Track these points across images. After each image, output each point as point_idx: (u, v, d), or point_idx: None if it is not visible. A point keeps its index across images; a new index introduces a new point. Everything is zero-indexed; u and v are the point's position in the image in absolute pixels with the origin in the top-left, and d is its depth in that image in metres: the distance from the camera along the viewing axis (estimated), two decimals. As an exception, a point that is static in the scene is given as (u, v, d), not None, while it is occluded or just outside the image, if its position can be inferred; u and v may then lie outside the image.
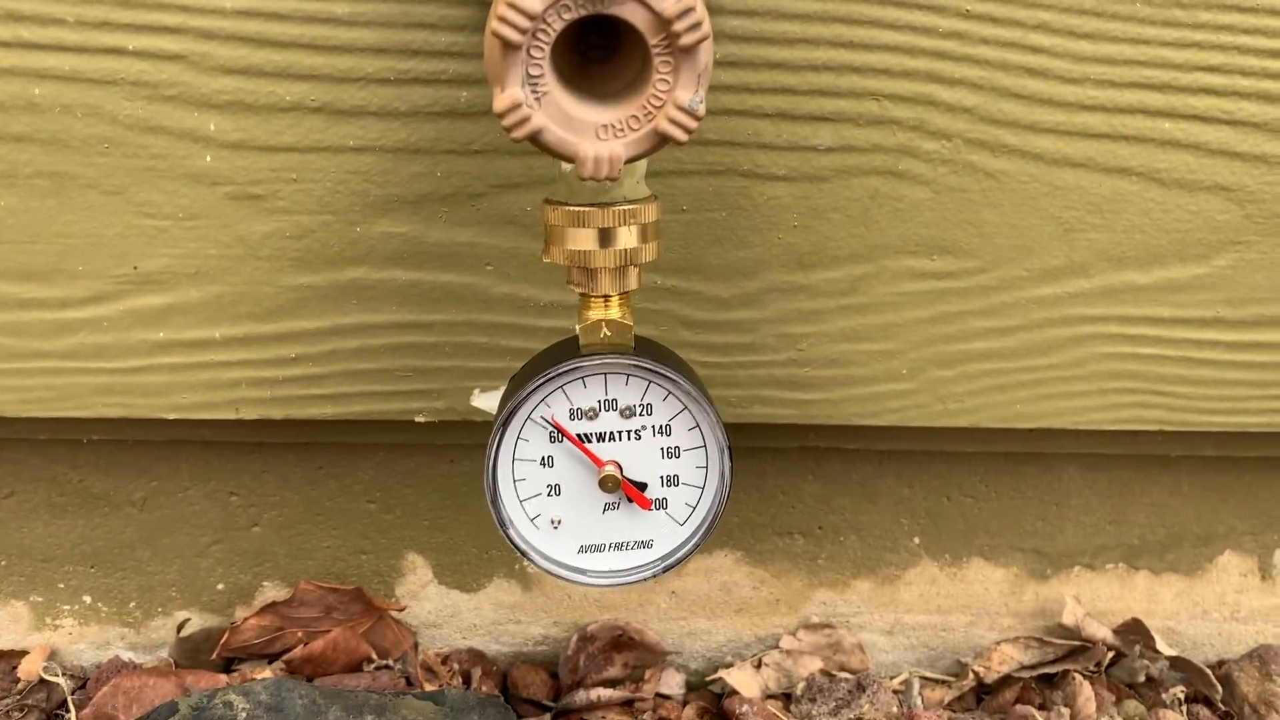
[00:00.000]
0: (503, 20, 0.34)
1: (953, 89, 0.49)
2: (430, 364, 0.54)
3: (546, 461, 0.44)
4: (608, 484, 0.44)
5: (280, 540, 0.64)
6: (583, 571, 0.45)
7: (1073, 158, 0.51)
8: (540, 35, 0.34)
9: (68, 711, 0.60)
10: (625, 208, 0.41)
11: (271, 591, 0.65)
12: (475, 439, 0.57)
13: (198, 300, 0.52)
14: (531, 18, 0.34)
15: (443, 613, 0.66)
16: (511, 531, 0.44)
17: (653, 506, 0.45)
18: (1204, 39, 0.49)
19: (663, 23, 0.34)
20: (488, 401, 0.55)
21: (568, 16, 0.34)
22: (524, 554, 0.44)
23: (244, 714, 0.54)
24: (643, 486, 0.45)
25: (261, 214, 0.50)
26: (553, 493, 0.44)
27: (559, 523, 0.45)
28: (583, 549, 0.45)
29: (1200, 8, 0.48)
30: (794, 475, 0.64)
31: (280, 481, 0.62)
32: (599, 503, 0.45)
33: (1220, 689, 0.66)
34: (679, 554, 0.45)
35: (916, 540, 0.66)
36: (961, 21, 0.48)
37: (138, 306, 0.52)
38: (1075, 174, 0.51)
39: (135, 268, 0.51)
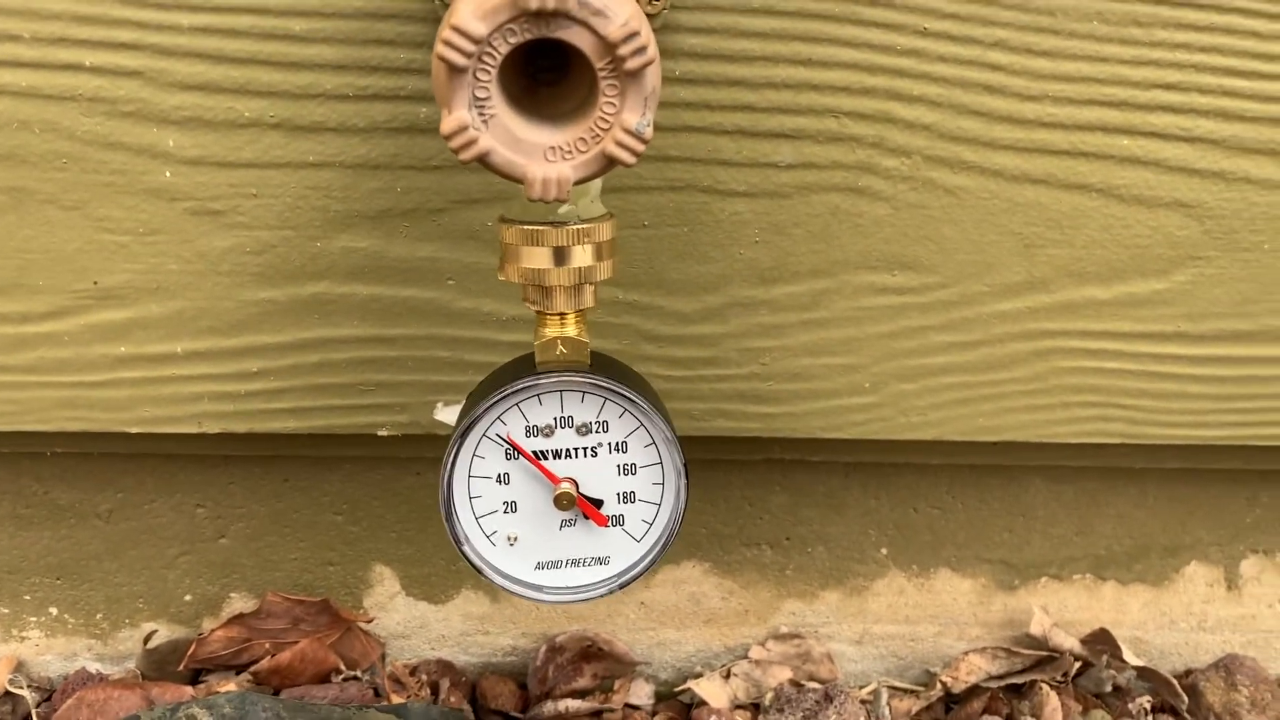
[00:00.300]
0: (447, 44, 0.34)
1: (911, 106, 0.49)
2: (393, 378, 0.54)
3: (502, 479, 0.44)
4: (562, 501, 0.44)
5: (247, 552, 0.64)
6: (539, 588, 0.45)
7: (1032, 174, 0.51)
8: (486, 58, 0.34)
9: (32, 724, 0.60)
10: (580, 226, 0.41)
11: (239, 603, 0.65)
12: (439, 452, 0.57)
13: (159, 315, 0.52)
14: (476, 41, 0.34)
15: (411, 624, 0.66)
16: (467, 548, 0.44)
17: (609, 523, 0.45)
18: (1161, 57, 0.49)
19: (608, 47, 0.34)
20: (451, 415, 0.55)
21: (514, 40, 0.34)
22: (480, 570, 0.45)
23: (207, 727, 0.54)
24: (599, 503, 0.45)
25: (222, 229, 0.50)
26: (509, 510, 0.44)
27: (515, 539, 0.45)
28: (540, 565, 0.45)
29: (1157, 26, 0.48)
30: (761, 487, 0.64)
31: (247, 494, 0.62)
32: (555, 520, 0.45)
33: (1186, 699, 0.66)
34: (636, 570, 0.46)
35: (884, 551, 0.66)
36: (919, 39, 0.48)
37: (98, 321, 0.52)
38: (1035, 190, 0.51)
39: (95, 283, 0.51)
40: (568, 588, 0.46)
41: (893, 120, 0.49)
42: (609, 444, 0.44)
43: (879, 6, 0.48)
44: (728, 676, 0.67)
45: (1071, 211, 0.52)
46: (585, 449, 0.44)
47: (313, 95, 0.48)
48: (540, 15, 0.34)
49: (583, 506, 0.44)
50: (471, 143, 0.35)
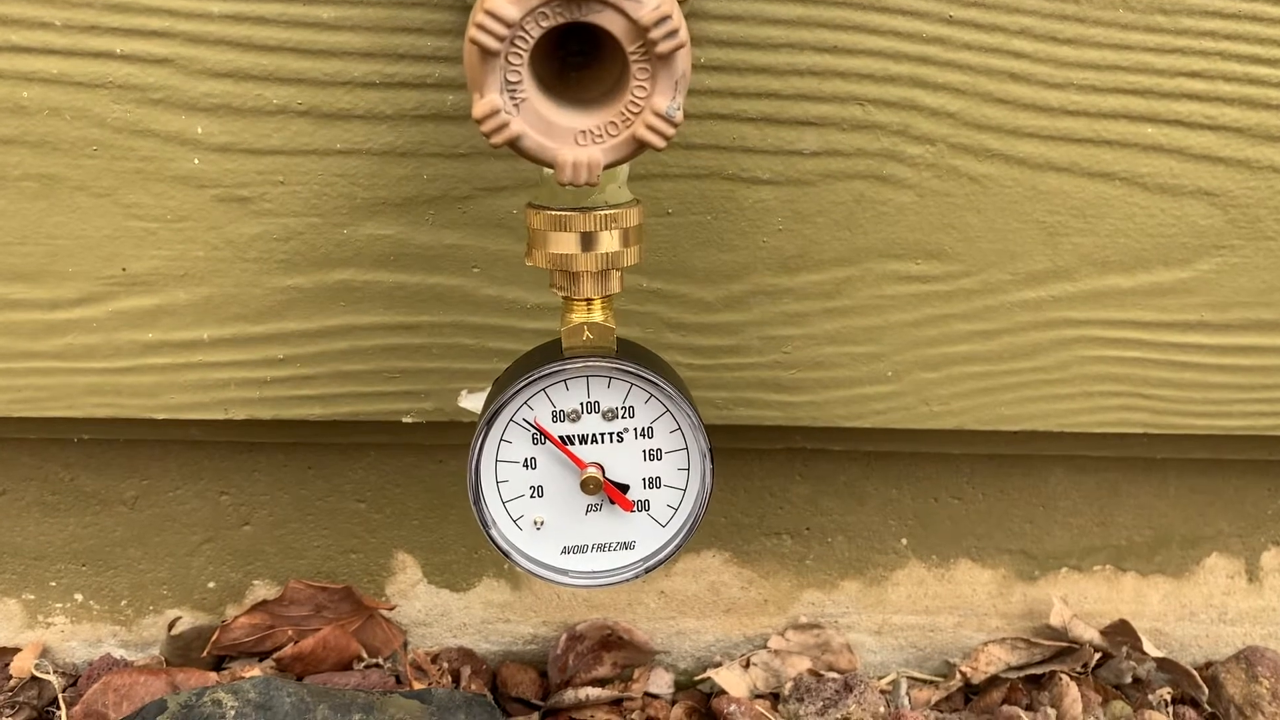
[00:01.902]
0: (480, 28, 0.34)
1: (936, 94, 0.49)
2: (417, 365, 0.54)
3: (529, 463, 0.44)
4: (590, 486, 0.44)
5: (271, 539, 0.64)
6: (565, 572, 0.46)
7: (1056, 162, 0.51)
8: (518, 42, 0.35)
9: (58, 709, 0.61)
10: (607, 212, 0.41)
11: (262, 590, 0.65)
12: (463, 439, 0.57)
13: (186, 301, 0.52)
14: (509, 25, 0.34)
15: (432, 612, 0.67)
16: (494, 532, 0.45)
17: (635, 508, 0.45)
18: (1186, 44, 0.49)
19: (640, 30, 0.35)
20: (475, 402, 0.55)
21: (546, 24, 0.34)
22: (506, 554, 0.45)
23: (233, 712, 0.55)
24: (625, 488, 0.45)
25: (249, 216, 0.50)
26: (535, 494, 0.45)
27: (541, 523, 0.45)
28: (565, 550, 0.46)
29: (1183, 13, 0.48)
30: (782, 476, 0.64)
31: (271, 481, 0.63)
32: (581, 504, 0.45)
33: (1207, 690, 0.66)
34: (661, 555, 0.46)
35: (904, 541, 0.66)
36: (945, 27, 0.48)
37: (127, 308, 0.52)
38: (1059, 178, 0.51)
39: (124, 269, 0.51)
40: (593, 572, 0.46)
41: (917, 108, 0.50)
42: (635, 429, 0.44)
43: (904, -6, 0.48)
44: (747, 666, 0.67)
45: (1095, 200, 0.52)
46: (611, 434, 0.44)
47: (340, 82, 0.48)
48: (573, -1, 0.34)
49: (609, 491, 0.44)
50: (503, 126, 0.36)
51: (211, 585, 0.65)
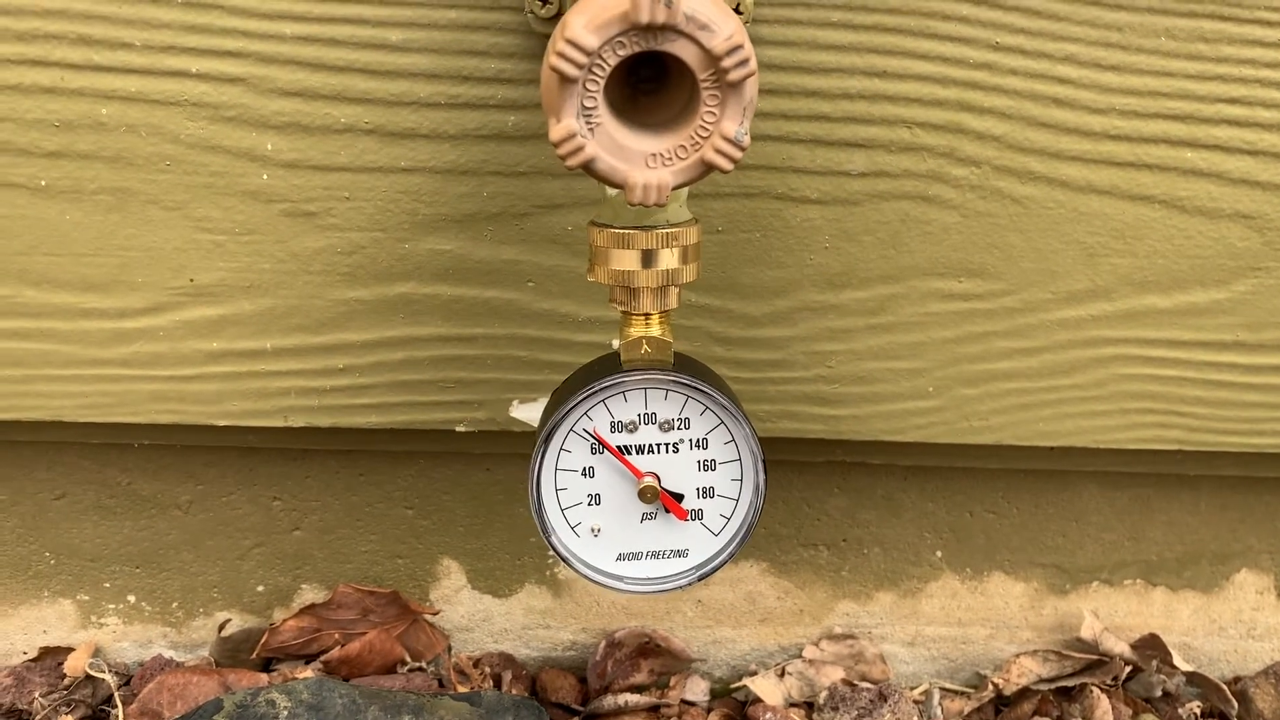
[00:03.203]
0: (561, 56, 0.36)
1: (982, 118, 0.51)
2: (472, 376, 0.56)
3: (588, 472, 0.46)
4: (646, 495, 0.45)
5: (320, 544, 0.66)
6: (620, 578, 0.47)
7: (1097, 185, 0.52)
8: (596, 70, 0.36)
9: (114, 707, 0.62)
10: (668, 230, 0.43)
11: (310, 594, 0.67)
12: (512, 448, 0.59)
13: (251, 312, 0.54)
14: (588, 54, 0.36)
15: (475, 617, 0.68)
16: (554, 539, 0.46)
17: (689, 517, 0.47)
18: (1226, 72, 0.50)
19: (712, 59, 0.36)
20: (526, 412, 0.57)
21: (622, 53, 0.36)
22: (565, 560, 0.46)
23: (285, 712, 0.56)
24: (679, 498, 0.46)
25: (314, 230, 0.52)
26: (593, 502, 0.46)
27: (598, 531, 0.46)
28: (621, 557, 0.47)
29: (1223, 42, 0.50)
30: (820, 489, 0.66)
31: (322, 487, 0.64)
32: (637, 512, 0.46)
33: (1236, 704, 0.67)
34: (713, 563, 0.47)
35: (939, 554, 0.68)
36: (991, 53, 0.50)
37: (193, 317, 0.54)
38: (1100, 201, 0.53)
39: (192, 280, 0.53)
40: (647, 579, 0.47)
41: (964, 131, 0.51)
42: (690, 440, 0.46)
43: (952, 21, 0.49)
44: (782, 675, 0.68)
45: (1135, 222, 0.53)
46: (667, 445, 0.46)
47: (406, 103, 0.50)
48: (650, 29, 0.36)
49: (664, 500, 0.46)
50: (579, 150, 0.37)
51: (261, 589, 0.67)
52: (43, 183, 0.51)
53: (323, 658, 0.65)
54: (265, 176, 0.51)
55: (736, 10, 0.47)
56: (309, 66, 0.49)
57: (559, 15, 0.47)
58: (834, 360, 0.56)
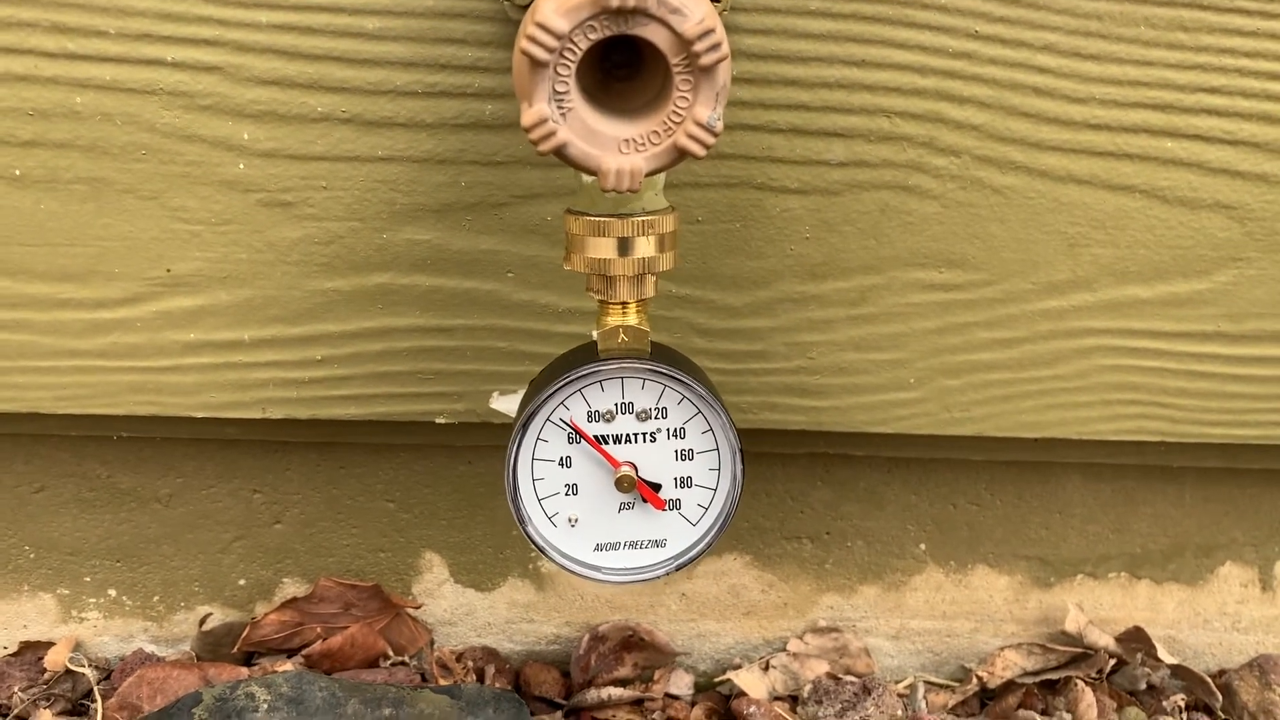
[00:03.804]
0: (531, 39, 0.35)
1: (962, 107, 0.51)
2: (451, 367, 0.56)
3: (564, 462, 0.46)
4: (623, 484, 0.45)
5: (301, 537, 0.66)
6: (598, 569, 0.47)
7: (1078, 175, 0.52)
8: (567, 54, 0.36)
9: (93, 701, 0.62)
10: (644, 218, 0.43)
11: (291, 588, 0.67)
12: (493, 440, 0.59)
13: (228, 303, 0.54)
14: (559, 37, 0.35)
15: (458, 611, 0.68)
16: (530, 529, 0.46)
17: (666, 507, 0.46)
18: (1206, 61, 0.50)
19: (684, 43, 0.36)
20: (506, 404, 0.57)
21: (594, 37, 0.36)
22: (542, 550, 0.46)
23: (265, 705, 0.56)
24: (657, 487, 0.46)
25: (292, 220, 0.52)
26: (570, 492, 0.46)
27: (576, 521, 0.46)
28: (598, 547, 0.47)
29: (1203, 31, 0.50)
30: (803, 481, 0.66)
31: (303, 480, 0.64)
32: (614, 502, 0.46)
33: (1220, 697, 0.67)
34: (691, 553, 0.47)
35: (923, 547, 0.67)
36: (971, 42, 0.50)
37: (170, 308, 0.54)
38: (1080, 190, 0.53)
39: (168, 270, 0.53)
40: (625, 569, 0.47)
41: (943, 120, 0.51)
42: (667, 430, 0.46)
43: (931, 9, 0.49)
44: (766, 668, 0.68)
45: (1115, 212, 0.53)
46: (644, 434, 0.46)
47: (383, 91, 0.50)
48: (620, 13, 0.35)
49: (642, 490, 0.46)
50: (550, 135, 0.37)
51: (242, 582, 0.66)
52: (17, 172, 0.50)
53: (304, 652, 0.64)
54: (242, 166, 0.51)
55: (714, -2, 0.47)
56: (285, 55, 0.49)
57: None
58: (815, 351, 0.56)
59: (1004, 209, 0.53)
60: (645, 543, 0.47)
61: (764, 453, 0.63)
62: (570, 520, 0.46)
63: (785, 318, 0.55)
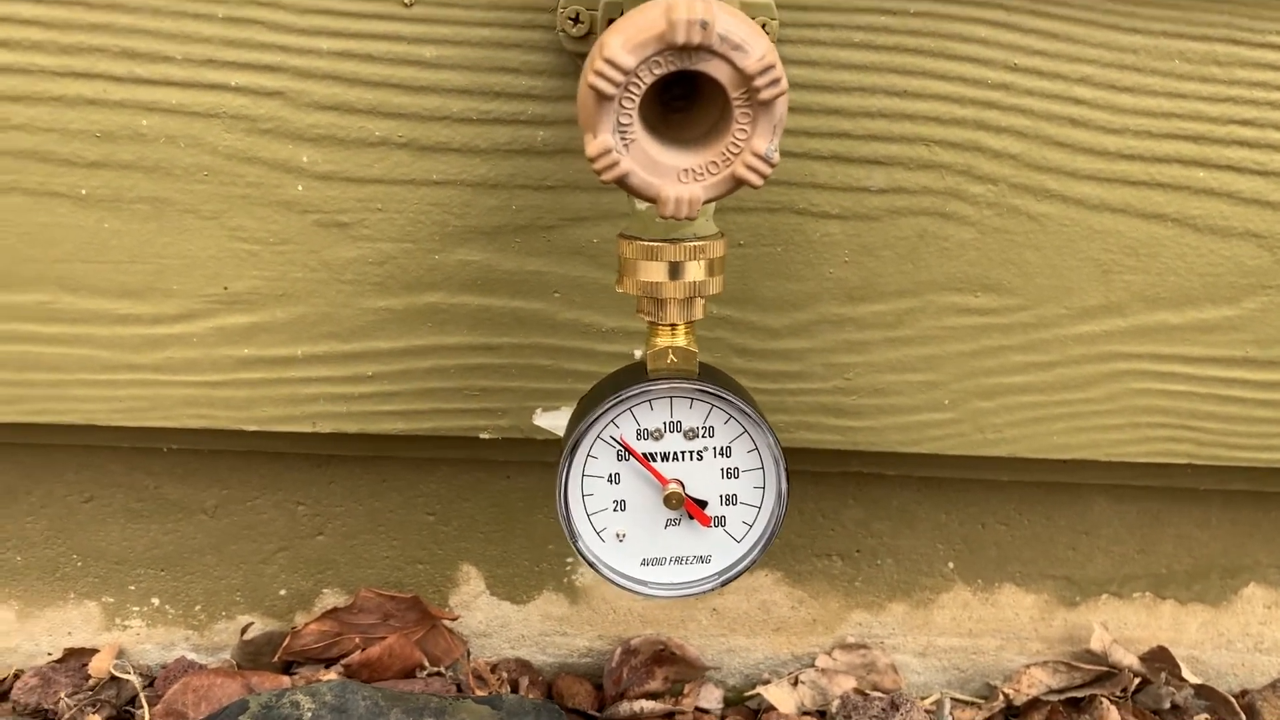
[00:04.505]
0: (599, 74, 0.37)
1: (999, 136, 0.52)
2: (497, 384, 0.57)
3: (614, 478, 0.47)
4: (671, 501, 0.46)
5: (342, 549, 0.67)
6: (644, 583, 0.48)
7: (1111, 203, 0.54)
8: (632, 88, 0.38)
9: (138, 708, 0.63)
10: (695, 243, 0.44)
11: (331, 598, 0.68)
12: (533, 456, 0.60)
13: (282, 320, 0.55)
14: (625, 72, 0.37)
15: (493, 623, 0.69)
16: (580, 543, 0.47)
17: (712, 524, 0.48)
18: (1239, 94, 0.52)
19: (745, 78, 0.37)
20: (549, 421, 0.58)
21: (658, 72, 0.37)
22: (591, 565, 0.47)
23: (309, 713, 0.57)
24: (703, 504, 0.47)
25: (347, 241, 0.53)
26: (619, 508, 0.47)
27: (623, 536, 0.48)
28: (645, 562, 0.48)
29: (1236, 65, 0.51)
30: (835, 499, 0.67)
31: (346, 493, 0.65)
32: (661, 519, 0.47)
33: (1244, 717, 0.67)
34: (735, 569, 0.48)
35: (951, 565, 0.68)
36: (1009, 74, 0.51)
37: (226, 324, 0.55)
38: (1114, 219, 0.54)
39: (226, 288, 0.54)
40: (671, 584, 0.48)
41: (981, 149, 0.52)
42: (714, 448, 0.47)
43: (971, 43, 0.51)
44: (795, 684, 0.69)
45: (1148, 239, 0.54)
46: (691, 452, 0.47)
47: (439, 117, 0.51)
48: (685, 50, 0.37)
49: (689, 507, 0.47)
50: (614, 164, 0.38)
51: (283, 593, 0.68)
52: (83, 192, 0.52)
53: (343, 661, 0.66)
54: (300, 188, 0.52)
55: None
56: (345, 81, 0.51)
57: (590, 34, 0.49)
58: (851, 372, 0.57)
59: (1039, 236, 0.54)
60: (691, 558, 0.48)
61: (797, 470, 0.64)
62: (618, 536, 0.47)
63: (823, 339, 0.57)
